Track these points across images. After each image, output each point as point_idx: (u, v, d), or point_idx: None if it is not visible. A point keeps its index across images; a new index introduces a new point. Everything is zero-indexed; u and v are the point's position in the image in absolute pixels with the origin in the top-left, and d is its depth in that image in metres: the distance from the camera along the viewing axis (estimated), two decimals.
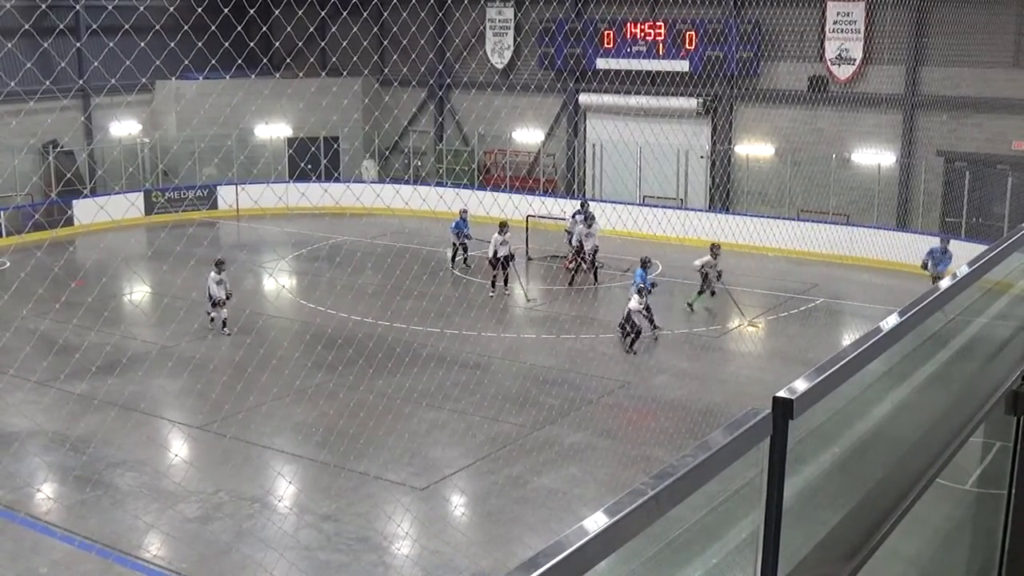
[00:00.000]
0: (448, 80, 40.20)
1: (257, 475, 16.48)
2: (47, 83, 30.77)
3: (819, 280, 28.10)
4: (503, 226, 26.48)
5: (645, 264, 23.24)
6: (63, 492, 16.19)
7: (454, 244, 29.56)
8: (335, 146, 38.44)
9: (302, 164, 38.35)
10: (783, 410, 2.43)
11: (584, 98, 37.46)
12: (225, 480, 16.14)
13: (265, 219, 36.05)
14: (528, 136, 38.82)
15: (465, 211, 28.76)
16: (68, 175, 35.45)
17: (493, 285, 26.90)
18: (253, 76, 27.98)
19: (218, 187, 37.87)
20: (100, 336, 22.66)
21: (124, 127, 39.25)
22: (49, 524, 14.85)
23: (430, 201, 29.99)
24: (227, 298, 23.72)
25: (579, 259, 27.93)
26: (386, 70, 37.51)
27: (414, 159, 39.89)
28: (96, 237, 34.06)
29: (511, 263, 26.82)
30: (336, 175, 39.49)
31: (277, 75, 34.79)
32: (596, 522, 2.00)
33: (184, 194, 37.90)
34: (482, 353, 22.12)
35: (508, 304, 26.52)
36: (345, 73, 31.16)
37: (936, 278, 23.44)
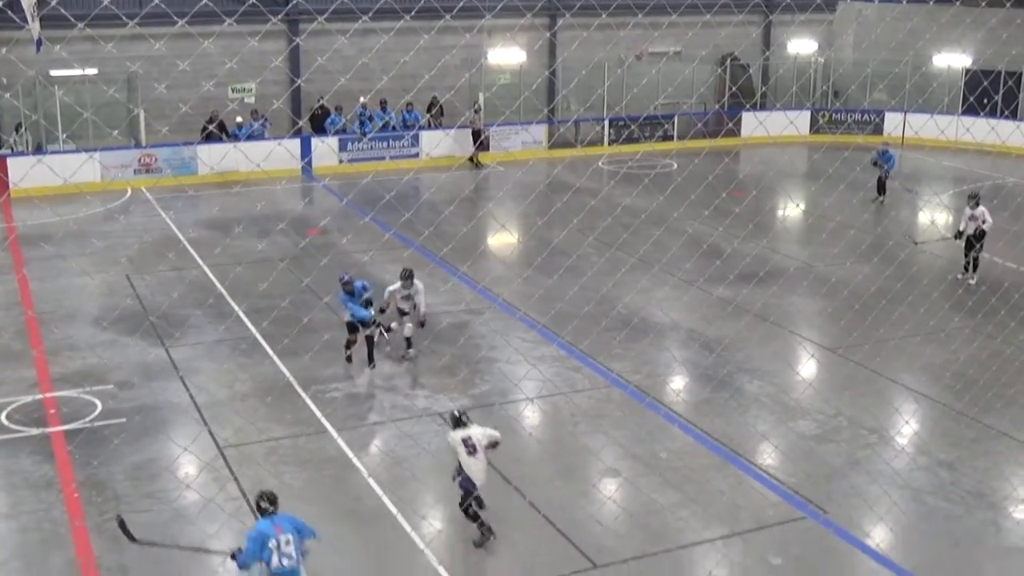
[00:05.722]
0: None
1: (877, 406, 16.33)
2: None
3: None
4: (973, 199, 22.29)
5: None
6: (691, 387, 17.17)
7: None
8: (1009, 83, 36.09)
9: (971, 98, 36.54)
10: None
11: None
12: (845, 405, 16.18)
13: (926, 150, 34.94)
14: None
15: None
16: (734, 88, 36.71)
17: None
18: (932, 2, 26.96)
19: (886, 113, 37.27)
20: (745, 245, 23.48)
21: (800, 45, 39.76)
22: (674, 413, 15.84)
23: None
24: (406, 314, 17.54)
25: None
26: None
27: None
28: (757, 150, 35.05)
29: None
30: (1007, 112, 37.14)
31: (958, 2, 33.20)
32: None
33: (849, 116, 37.75)
34: None
35: None
36: None
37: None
